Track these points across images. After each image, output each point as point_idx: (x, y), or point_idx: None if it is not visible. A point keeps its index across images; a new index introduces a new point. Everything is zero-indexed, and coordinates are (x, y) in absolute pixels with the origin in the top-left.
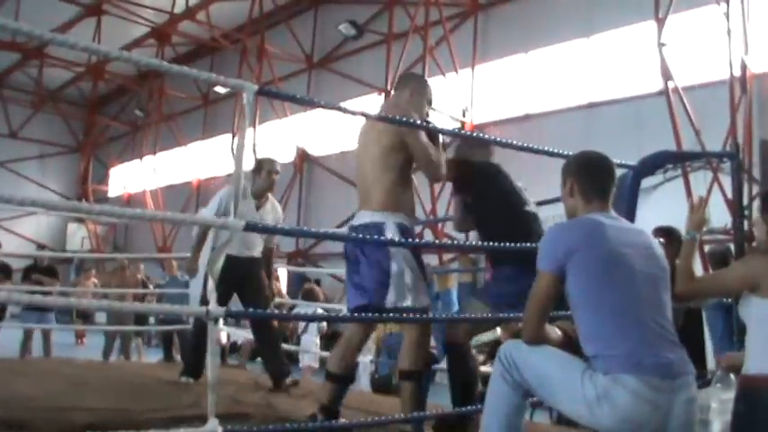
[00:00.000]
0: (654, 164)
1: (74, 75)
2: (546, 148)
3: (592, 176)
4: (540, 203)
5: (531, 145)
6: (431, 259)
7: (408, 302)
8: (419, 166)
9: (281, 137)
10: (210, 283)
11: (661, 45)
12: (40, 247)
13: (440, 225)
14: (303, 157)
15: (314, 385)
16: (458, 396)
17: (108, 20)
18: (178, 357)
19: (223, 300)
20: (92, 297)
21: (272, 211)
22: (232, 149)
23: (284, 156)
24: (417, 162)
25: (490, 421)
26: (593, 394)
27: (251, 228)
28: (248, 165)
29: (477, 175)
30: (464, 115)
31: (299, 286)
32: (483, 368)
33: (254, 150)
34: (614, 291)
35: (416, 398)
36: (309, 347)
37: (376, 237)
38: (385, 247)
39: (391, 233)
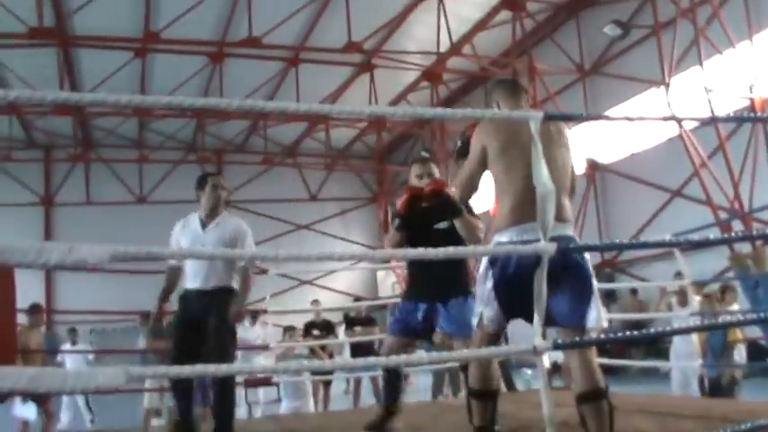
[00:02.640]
0: None
1: (358, 131)
2: None
3: None
4: None
5: None
6: (743, 246)
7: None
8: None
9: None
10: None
11: None
12: (356, 299)
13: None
14: (593, 166)
15: None
16: None
17: (380, 72)
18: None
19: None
20: None
21: (217, 230)
22: None
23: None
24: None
25: None
26: None
27: None
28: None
29: None
30: (751, 91)
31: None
32: None
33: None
34: None
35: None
36: None
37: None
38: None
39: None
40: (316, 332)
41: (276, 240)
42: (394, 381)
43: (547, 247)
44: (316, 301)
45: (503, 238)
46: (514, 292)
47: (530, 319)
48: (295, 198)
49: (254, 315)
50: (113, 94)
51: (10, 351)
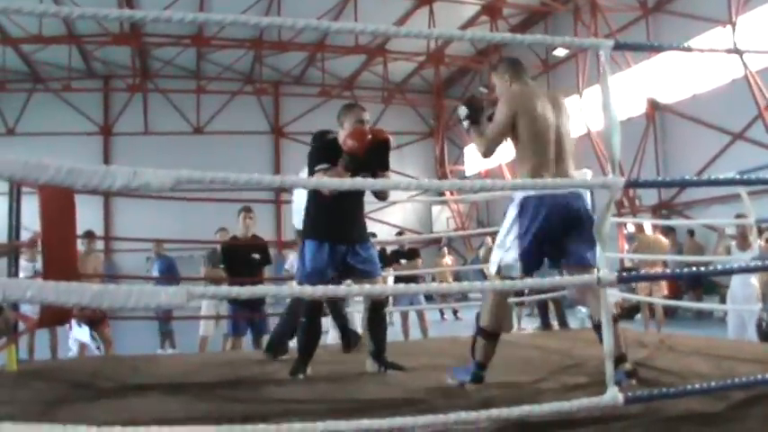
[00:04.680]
0: None
1: (416, 65)
2: None
3: None
4: None
5: None
6: None
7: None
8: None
9: (629, 90)
10: (599, 250)
11: None
12: (399, 233)
13: None
14: (654, 106)
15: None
16: None
17: (439, 6)
18: (555, 324)
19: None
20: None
21: None
22: (580, 110)
23: (634, 108)
24: None
25: None
26: None
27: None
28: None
29: None
30: None
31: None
32: None
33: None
34: None
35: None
36: None
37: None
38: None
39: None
40: (403, 261)
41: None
42: None
43: (617, 181)
44: (372, 234)
45: (532, 193)
46: (542, 241)
47: (554, 261)
48: None
49: None
50: (171, 12)
51: (72, 271)
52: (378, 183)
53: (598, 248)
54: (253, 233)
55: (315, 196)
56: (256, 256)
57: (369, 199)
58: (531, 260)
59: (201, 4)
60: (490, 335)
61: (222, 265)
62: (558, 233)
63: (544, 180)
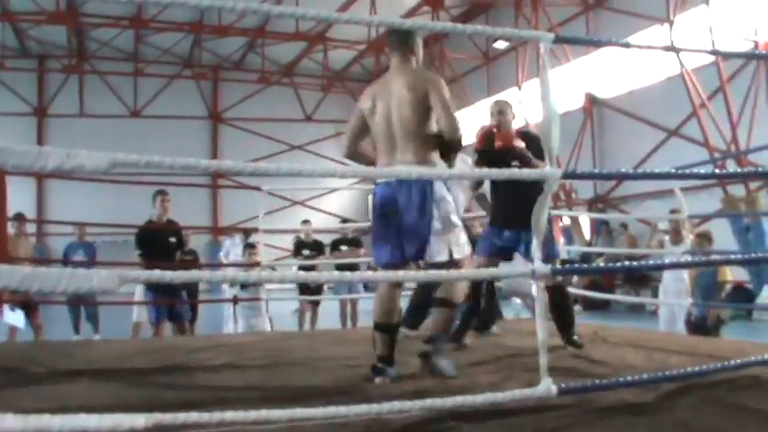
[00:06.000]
0: None
1: (356, 53)
2: None
3: None
4: None
5: None
6: (737, 189)
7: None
8: (441, 122)
9: (567, 83)
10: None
11: None
12: (344, 220)
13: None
14: (592, 101)
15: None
16: None
17: None
18: None
19: None
20: None
21: None
22: (519, 103)
23: (572, 102)
24: (440, 118)
25: None
26: None
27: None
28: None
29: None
30: (756, 34)
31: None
32: None
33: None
34: None
35: (445, 322)
36: None
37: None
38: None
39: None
40: (306, 252)
41: (270, 159)
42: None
43: (554, 173)
44: (306, 221)
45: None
46: (384, 234)
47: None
48: (290, 118)
49: (246, 232)
50: None
51: (1, 254)
52: (316, 170)
53: (534, 240)
54: (168, 218)
55: None
56: (173, 239)
57: (306, 185)
58: (385, 252)
59: None
60: (384, 328)
61: (137, 250)
62: (389, 223)
63: (450, 170)
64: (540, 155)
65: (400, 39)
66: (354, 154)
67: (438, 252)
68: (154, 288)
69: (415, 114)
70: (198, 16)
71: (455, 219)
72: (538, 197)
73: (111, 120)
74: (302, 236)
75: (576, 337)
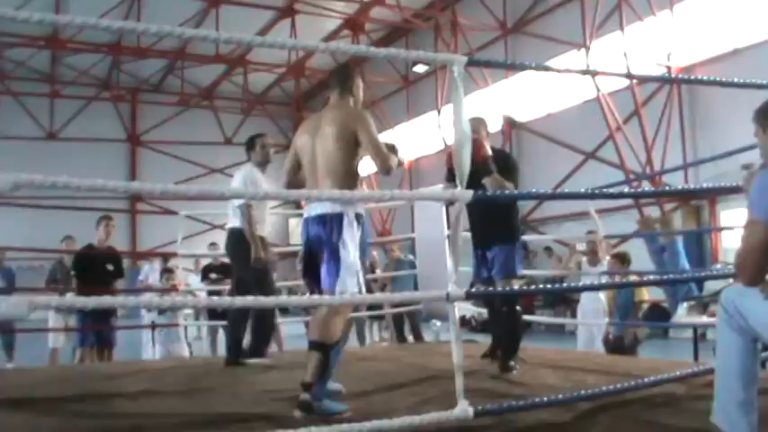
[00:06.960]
0: None
1: (276, 76)
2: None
3: None
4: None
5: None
6: (652, 210)
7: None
8: (372, 159)
9: (486, 107)
10: (450, 264)
11: None
12: (212, 244)
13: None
14: (510, 124)
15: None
16: None
17: (302, 18)
18: (410, 338)
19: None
20: None
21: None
22: (438, 126)
23: (491, 125)
24: (370, 155)
25: (725, 365)
26: None
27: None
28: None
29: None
30: (668, 60)
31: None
32: None
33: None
34: None
35: (321, 367)
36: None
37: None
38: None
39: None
40: (213, 275)
41: (189, 183)
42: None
43: (464, 194)
44: (213, 245)
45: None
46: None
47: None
48: (210, 141)
49: (165, 257)
50: (25, 12)
51: None
52: (225, 192)
53: (449, 262)
54: (108, 244)
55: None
56: (110, 266)
57: (224, 210)
58: (309, 280)
59: (58, 4)
60: (321, 346)
61: (73, 272)
62: (309, 254)
63: (361, 192)
64: (505, 173)
65: (340, 78)
66: (292, 187)
67: (330, 284)
68: (83, 313)
69: (338, 150)
70: (116, 37)
71: (351, 261)
72: (500, 216)
73: (27, 141)
74: (211, 259)
75: (512, 363)
